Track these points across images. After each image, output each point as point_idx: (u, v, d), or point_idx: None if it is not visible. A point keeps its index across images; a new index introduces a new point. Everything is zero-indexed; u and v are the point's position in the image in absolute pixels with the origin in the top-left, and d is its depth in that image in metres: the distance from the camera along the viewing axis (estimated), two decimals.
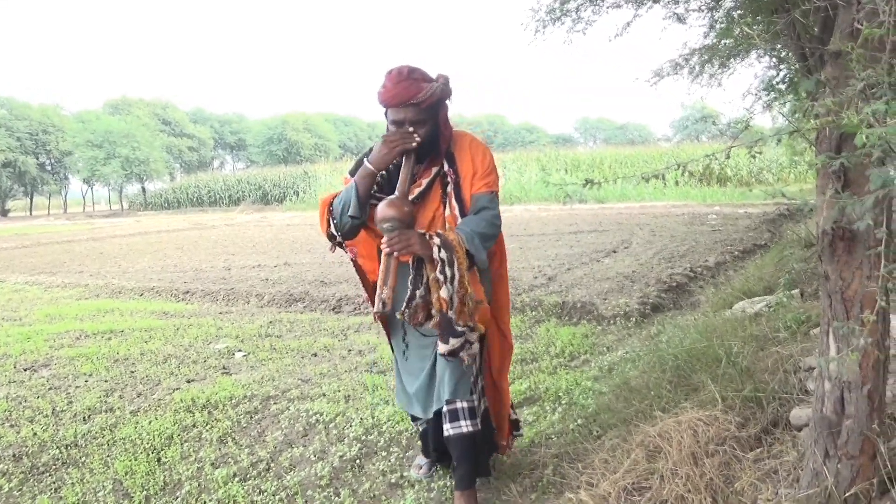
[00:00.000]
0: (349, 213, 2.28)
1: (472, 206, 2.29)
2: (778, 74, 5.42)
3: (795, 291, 4.01)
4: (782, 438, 2.26)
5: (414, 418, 2.71)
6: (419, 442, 2.87)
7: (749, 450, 2.26)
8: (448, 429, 2.36)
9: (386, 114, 2.25)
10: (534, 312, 5.44)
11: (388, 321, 2.54)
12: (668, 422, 2.45)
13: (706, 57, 5.42)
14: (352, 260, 2.54)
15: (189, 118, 51.04)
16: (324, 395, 3.83)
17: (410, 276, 2.26)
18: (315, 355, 4.77)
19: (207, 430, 3.40)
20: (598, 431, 2.90)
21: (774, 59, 5.37)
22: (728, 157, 1.73)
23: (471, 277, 2.25)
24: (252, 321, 6.02)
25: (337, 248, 2.44)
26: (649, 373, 3.25)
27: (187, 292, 7.60)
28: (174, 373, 4.49)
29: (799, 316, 3.34)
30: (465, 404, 2.34)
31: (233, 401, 3.81)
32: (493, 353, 2.52)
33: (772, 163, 22.88)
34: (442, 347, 2.25)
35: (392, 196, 2.20)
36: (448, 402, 2.33)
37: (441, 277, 2.17)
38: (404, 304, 2.27)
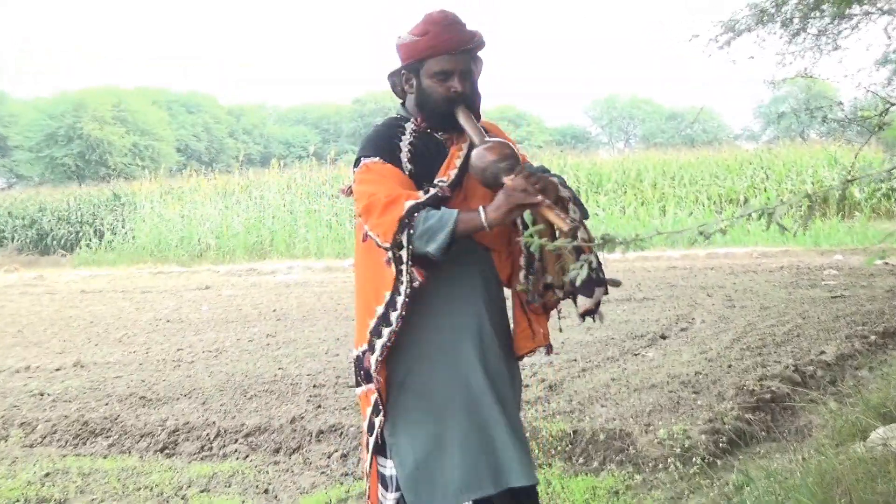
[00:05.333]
0: (431, 249, 2.84)
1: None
2: None
3: None
4: None
5: None
6: None
7: None
8: None
9: (419, 67, 3.07)
10: None
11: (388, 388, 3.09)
12: None
13: (811, 1, 5.61)
14: (407, 288, 2.95)
15: None
16: None
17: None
18: None
19: None
20: None
21: None
22: (844, 195, 1.80)
23: None
24: (12, 473, 5.87)
25: (392, 263, 2.94)
26: None
27: None
28: None
29: None
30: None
31: None
32: None
33: None
34: (585, 302, 3.01)
35: (485, 142, 2.95)
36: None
37: (575, 216, 2.90)
38: (522, 276, 3.07)
